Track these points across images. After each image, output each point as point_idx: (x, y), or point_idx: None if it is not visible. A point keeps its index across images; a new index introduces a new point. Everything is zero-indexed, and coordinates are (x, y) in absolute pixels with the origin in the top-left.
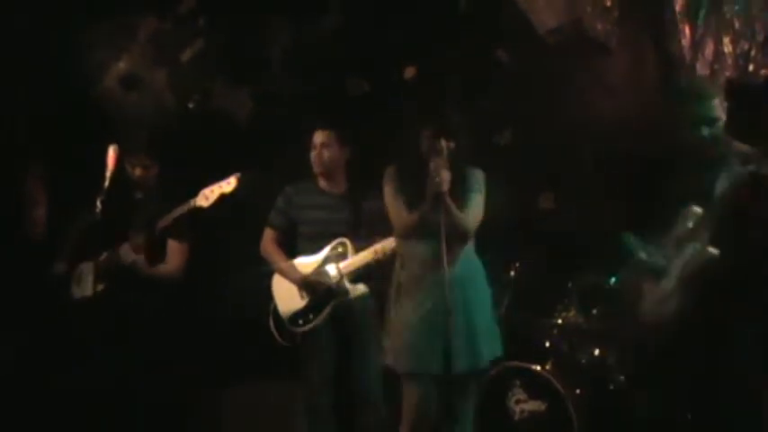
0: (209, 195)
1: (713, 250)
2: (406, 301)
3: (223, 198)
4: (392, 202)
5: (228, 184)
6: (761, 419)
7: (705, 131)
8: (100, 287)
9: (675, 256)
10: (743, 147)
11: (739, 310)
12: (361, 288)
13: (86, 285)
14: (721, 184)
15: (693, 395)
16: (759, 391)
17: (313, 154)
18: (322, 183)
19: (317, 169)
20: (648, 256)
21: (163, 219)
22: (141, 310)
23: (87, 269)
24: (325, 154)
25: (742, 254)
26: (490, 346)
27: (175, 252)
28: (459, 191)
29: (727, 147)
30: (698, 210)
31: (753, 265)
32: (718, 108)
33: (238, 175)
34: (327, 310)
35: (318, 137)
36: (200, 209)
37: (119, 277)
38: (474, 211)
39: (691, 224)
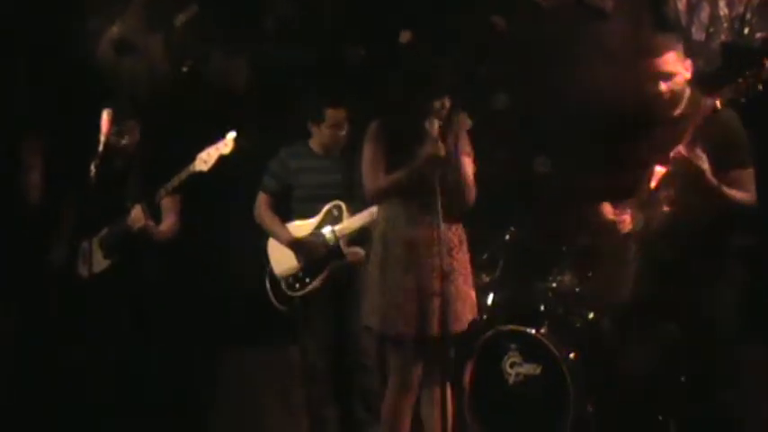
0: (207, 159)
1: (669, 210)
2: (394, 263)
3: (222, 160)
4: (373, 160)
5: (226, 146)
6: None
7: (662, 87)
8: (109, 261)
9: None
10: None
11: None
12: (357, 251)
13: (95, 261)
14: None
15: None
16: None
17: (329, 132)
18: (316, 146)
19: (334, 147)
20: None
21: (165, 186)
22: (153, 278)
23: (92, 246)
24: (342, 132)
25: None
26: (470, 309)
27: (170, 207)
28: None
29: (693, 105)
30: (660, 169)
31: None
32: (675, 63)
33: (234, 135)
34: (324, 273)
35: (336, 116)
36: (201, 173)
37: (126, 248)
38: (468, 176)
39: (654, 184)
